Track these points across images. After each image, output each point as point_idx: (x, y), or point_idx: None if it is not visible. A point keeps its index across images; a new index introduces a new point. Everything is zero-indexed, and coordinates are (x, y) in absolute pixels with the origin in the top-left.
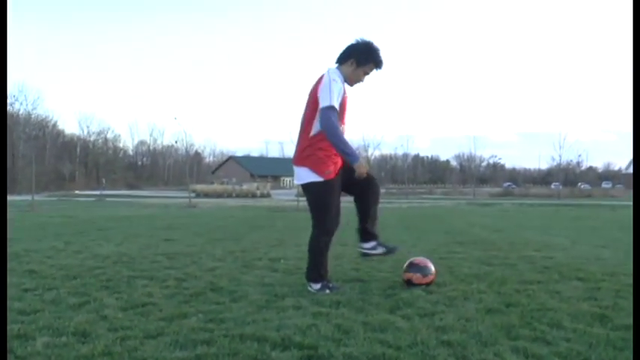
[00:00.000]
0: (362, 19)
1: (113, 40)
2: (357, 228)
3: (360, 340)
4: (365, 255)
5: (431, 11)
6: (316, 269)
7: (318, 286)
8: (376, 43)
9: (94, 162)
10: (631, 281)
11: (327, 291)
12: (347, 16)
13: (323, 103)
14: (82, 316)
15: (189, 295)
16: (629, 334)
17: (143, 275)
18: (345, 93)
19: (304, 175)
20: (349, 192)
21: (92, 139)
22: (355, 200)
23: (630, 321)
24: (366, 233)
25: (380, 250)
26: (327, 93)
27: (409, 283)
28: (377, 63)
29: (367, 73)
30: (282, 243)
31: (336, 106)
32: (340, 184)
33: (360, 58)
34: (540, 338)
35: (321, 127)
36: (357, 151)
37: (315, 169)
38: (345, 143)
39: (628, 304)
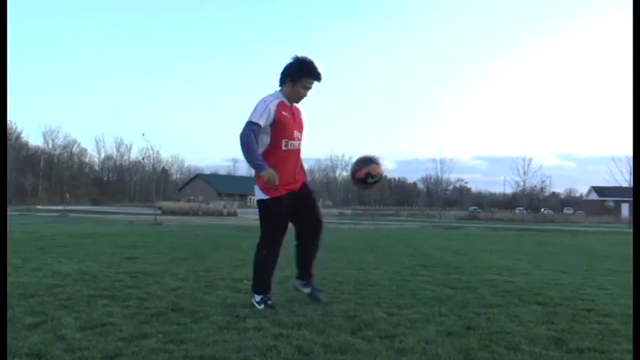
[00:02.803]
0: (327, 40)
1: (81, 52)
2: (295, 262)
3: None
4: (296, 289)
5: (398, 31)
6: (257, 282)
7: (258, 298)
8: (309, 57)
9: (58, 176)
10: (587, 306)
11: (262, 306)
12: (310, 35)
13: (247, 118)
14: (37, 336)
15: (150, 315)
16: (582, 357)
17: (104, 294)
18: (281, 111)
19: (256, 192)
20: (294, 222)
21: (57, 152)
22: (297, 237)
23: (585, 344)
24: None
25: (306, 291)
26: (252, 111)
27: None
28: (311, 75)
29: (307, 87)
30: (245, 263)
31: (259, 122)
32: (289, 206)
33: (293, 75)
34: None
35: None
36: (264, 163)
37: (262, 187)
38: (251, 156)
39: (583, 327)
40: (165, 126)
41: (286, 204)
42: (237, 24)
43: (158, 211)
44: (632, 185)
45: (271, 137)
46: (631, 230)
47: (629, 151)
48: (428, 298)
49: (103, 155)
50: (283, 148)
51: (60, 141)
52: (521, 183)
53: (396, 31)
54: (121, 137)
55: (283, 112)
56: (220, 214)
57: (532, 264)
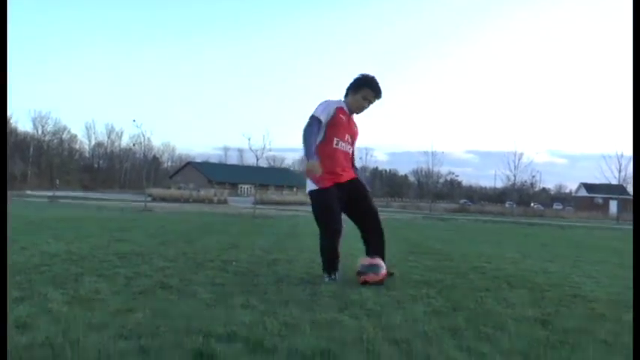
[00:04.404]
0: (316, 29)
1: (71, 37)
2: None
3: (306, 336)
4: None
5: (389, 19)
6: (324, 264)
7: (326, 278)
8: (372, 75)
9: (47, 163)
10: (573, 292)
11: (327, 279)
12: (299, 23)
13: (312, 113)
14: (23, 308)
15: (137, 292)
16: (568, 337)
17: (92, 273)
18: (339, 114)
19: (308, 185)
20: (351, 215)
21: (47, 139)
22: (361, 232)
23: (570, 325)
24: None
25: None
26: (316, 107)
27: (365, 283)
28: (371, 88)
29: (367, 99)
30: (235, 247)
31: (320, 117)
32: (337, 196)
33: (356, 86)
34: (484, 338)
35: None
36: (314, 155)
37: (314, 180)
38: (306, 146)
39: (569, 311)
40: (157, 113)
41: (334, 193)
42: (229, 11)
43: (148, 198)
44: (623, 183)
45: (325, 134)
46: (618, 226)
47: (619, 149)
48: (416, 281)
49: (93, 142)
50: (334, 145)
51: (50, 127)
52: (512, 177)
53: (386, 19)
54: (111, 124)
55: (341, 116)
56: (211, 201)
57: (521, 254)
